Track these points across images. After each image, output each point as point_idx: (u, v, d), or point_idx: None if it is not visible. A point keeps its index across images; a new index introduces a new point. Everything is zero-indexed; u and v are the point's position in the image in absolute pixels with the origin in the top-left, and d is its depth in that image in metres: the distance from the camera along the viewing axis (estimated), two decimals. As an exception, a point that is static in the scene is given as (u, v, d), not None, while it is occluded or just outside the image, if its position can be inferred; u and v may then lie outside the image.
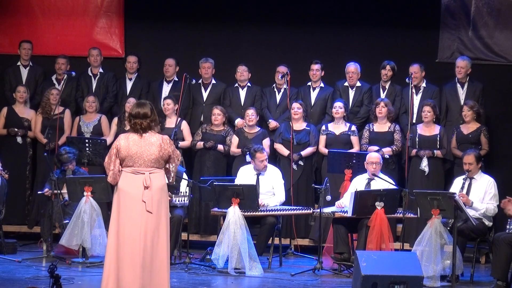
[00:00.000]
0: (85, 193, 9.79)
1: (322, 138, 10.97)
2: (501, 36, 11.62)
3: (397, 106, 11.20)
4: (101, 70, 11.82)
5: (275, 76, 11.41)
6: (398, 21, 11.78)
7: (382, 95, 11.23)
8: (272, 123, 11.33)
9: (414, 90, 11.08)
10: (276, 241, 10.08)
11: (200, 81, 11.58)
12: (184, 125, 11.21)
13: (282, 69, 11.35)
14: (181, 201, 9.84)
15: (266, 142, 10.94)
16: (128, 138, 7.29)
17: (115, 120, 11.39)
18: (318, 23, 11.93)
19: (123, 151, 7.25)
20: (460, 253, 8.96)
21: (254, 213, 9.66)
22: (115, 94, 11.82)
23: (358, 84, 11.38)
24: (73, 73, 11.30)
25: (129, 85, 11.80)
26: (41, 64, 11.97)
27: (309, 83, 11.49)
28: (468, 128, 10.74)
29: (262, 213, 9.75)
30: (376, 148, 10.60)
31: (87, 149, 10.81)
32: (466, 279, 9.33)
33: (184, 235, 10.13)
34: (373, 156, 9.90)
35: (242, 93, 11.58)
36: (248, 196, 9.56)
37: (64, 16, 12.25)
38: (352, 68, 11.31)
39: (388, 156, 10.65)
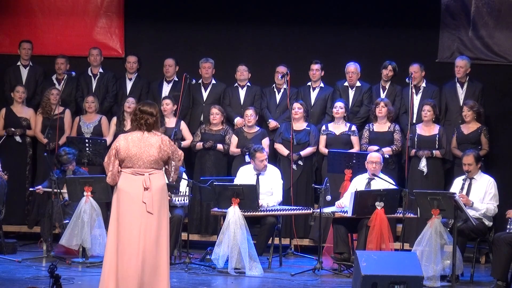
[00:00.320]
0: (85, 193, 9.79)
1: (322, 138, 10.97)
2: (501, 36, 11.62)
3: (397, 106, 11.20)
4: (101, 70, 11.82)
5: (275, 76, 11.42)
6: (398, 21, 11.78)
7: (382, 95, 11.23)
8: (272, 123, 11.33)
9: (414, 90, 11.09)
10: (276, 241, 10.08)
11: (200, 81, 11.59)
12: (183, 125, 11.22)
13: (282, 69, 11.35)
14: (181, 201, 9.84)
15: (265, 141, 10.94)
16: (128, 138, 7.29)
17: (114, 120, 11.38)
18: (318, 23, 11.93)
19: (122, 152, 7.25)
20: (460, 253, 8.96)
21: (254, 213, 9.66)
22: (115, 94, 11.82)
23: (358, 84, 11.38)
24: (73, 73, 11.31)
25: (129, 85, 11.80)
26: (41, 64, 11.97)
27: (309, 83, 11.49)
28: (469, 128, 10.74)
29: (262, 213, 9.75)
30: (376, 148, 10.60)
31: (87, 149, 10.82)
32: (466, 279, 9.33)
33: (184, 235, 10.13)
34: (374, 155, 9.90)
35: (242, 93, 11.58)
36: (248, 196, 9.56)
37: (64, 16, 12.25)
38: (352, 68, 11.31)
39: (388, 156, 10.66)
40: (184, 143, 11.08)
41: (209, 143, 11.03)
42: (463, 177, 9.55)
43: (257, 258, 9.43)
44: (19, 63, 11.84)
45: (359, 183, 9.89)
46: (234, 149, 11.04)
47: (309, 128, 11.00)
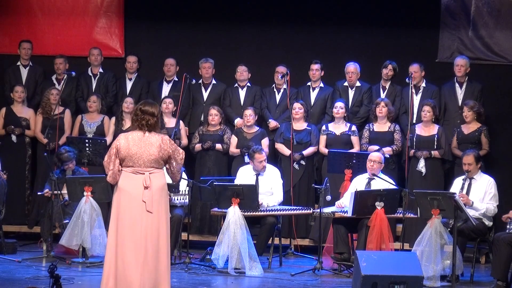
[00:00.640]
0: (85, 193, 9.79)
1: (323, 138, 10.97)
2: (501, 36, 11.62)
3: (397, 106, 11.20)
4: (101, 70, 11.82)
5: (274, 76, 11.41)
6: (398, 21, 11.78)
7: (382, 95, 11.23)
8: (272, 123, 11.33)
9: (414, 90, 11.08)
10: (276, 241, 10.08)
11: (200, 81, 11.58)
12: (181, 126, 11.21)
13: (282, 69, 11.35)
14: (181, 200, 9.84)
15: (265, 142, 10.94)
16: (128, 138, 7.29)
17: (113, 119, 11.38)
18: (318, 23, 11.94)
19: (123, 151, 7.25)
20: (460, 253, 8.96)
21: (254, 213, 9.66)
22: (115, 94, 11.82)
23: (358, 84, 11.38)
24: (73, 73, 11.29)
25: (129, 85, 11.80)
26: (41, 64, 11.97)
27: (309, 83, 11.49)
28: (469, 128, 10.75)
29: (262, 213, 9.75)
30: (377, 147, 10.60)
31: (87, 149, 10.81)
32: (466, 279, 9.33)
33: (184, 235, 10.13)
34: (374, 155, 9.90)
35: (242, 93, 11.58)
36: (248, 196, 9.56)
37: (64, 16, 12.25)
38: (352, 68, 11.31)
39: (388, 156, 10.66)
40: (181, 144, 11.06)
41: (207, 144, 11.02)
42: (463, 177, 9.55)
43: (257, 258, 9.43)
44: (19, 63, 11.84)
45: (359, 183, 9.89)
46: (233, 150, 11.04)
47: (310, 128, 11.00)
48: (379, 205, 9.30)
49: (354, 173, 10.22)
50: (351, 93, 11.40)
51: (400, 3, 11.73)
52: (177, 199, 9.80)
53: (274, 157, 11.10)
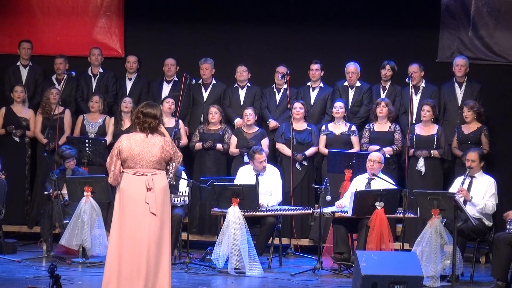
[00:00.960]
0: (85, 193, 9.79)
1: (322, 138, 10.97)
2: (501, 36, 11.62)
3: (397, 106, 11.20)
4: (101, 70, 11.82)
5: (274, 76, 11.42)
6: (398, 21, 11.78)
7: (383, 95, 11.24)
8: (272, 123, 11.33)
9: (413, 90, 11.09)
10: (276, 241, 10.08)
11: (200, 81, 11.58)
12: (181, 125, 11.21)
13: (282, 69, 11.35)
14: (181, 200, 9.84)
15: (265, 142, 10.94)
16: (130, 139, 7.29)
17: (112, 119, 11.38)
18: (318, 23, 11.94)
19: (125, 152, 7.25)
20: (460, 253, 8.96)
21: (254, 213, 9.66)
22: (115, 94, 11.82)
23: (358, 84, 11.38)
24: (73, 73, 11.29)
25: (129, 85, 11.80)
26: (41, 64, 11.97)
27: (309, 83, 11.49)
28: (469, 128, 10.75)
29: (262, 213, 9.75)
30: (377, 147, 10.60)
31: (87, 149, 10.81)
32: (466, 279, 9.33)
33: (184, 235, 10.13)
34: (374, 155, 9.91)
35: (242, 93, 11.58)
36: (248, 196, 9.56)
37: (64, 16, 12.25)
38: (352, 68, 11.32)
39: (389, 156, 10.66)
40: (182, 143, 11.06)
41: (208, 143, 11.02)
42: (464, 176, 9.53)
43: (257, 258, 9.43)
44: (18, 63, 11.83)
45: (359, 183, 9.89)
46: (233, 150, 11.04)
47: (310, 128, 11.00)
48: (379, 205, 9.30)
49: (354, 173, 10.22)
50: (351, 93, 11.40)
51: (400, 3, 11.73)
52: (177, 200, 9.79)
53: (274, 157, 11.09)
